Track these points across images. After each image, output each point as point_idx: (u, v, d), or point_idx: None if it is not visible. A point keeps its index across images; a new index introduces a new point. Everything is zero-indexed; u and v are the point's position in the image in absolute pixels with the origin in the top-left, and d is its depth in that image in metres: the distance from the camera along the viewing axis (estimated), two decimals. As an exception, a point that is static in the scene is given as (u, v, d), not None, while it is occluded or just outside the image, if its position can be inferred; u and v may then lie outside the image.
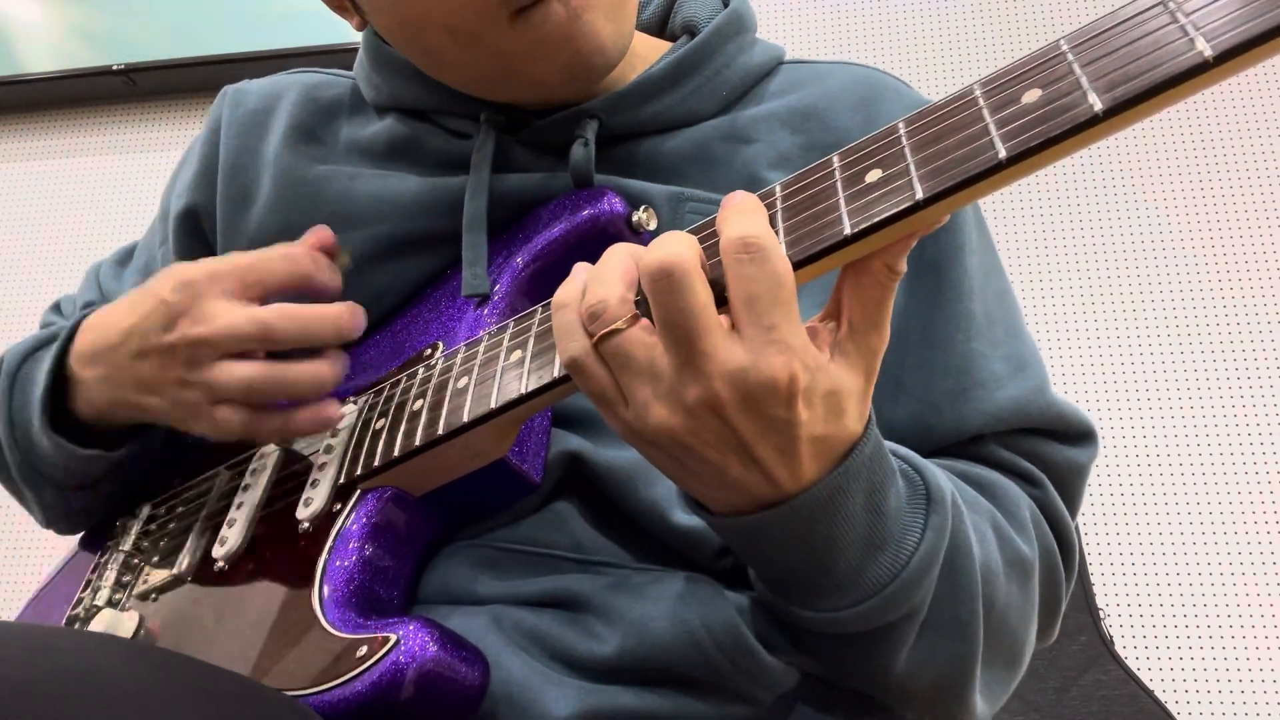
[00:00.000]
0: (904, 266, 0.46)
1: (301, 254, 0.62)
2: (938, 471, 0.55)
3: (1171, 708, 1.43)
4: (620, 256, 0.48)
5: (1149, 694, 1.39)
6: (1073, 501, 0.66)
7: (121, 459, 0.69)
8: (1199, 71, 0.37)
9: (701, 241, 0.47)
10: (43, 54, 2.13)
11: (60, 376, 0.67)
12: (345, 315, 0.61)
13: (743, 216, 0.45)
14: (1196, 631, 1.56)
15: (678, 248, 0.44)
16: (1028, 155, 0.39)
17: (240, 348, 0.59)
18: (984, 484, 0.62)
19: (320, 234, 0.64)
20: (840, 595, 0.51)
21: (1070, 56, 0.40)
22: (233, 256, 0.61)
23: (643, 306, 0.46)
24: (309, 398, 0.61)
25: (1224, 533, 1.60)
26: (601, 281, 0.47)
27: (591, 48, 0.62)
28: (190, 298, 0.60)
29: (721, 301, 0.45)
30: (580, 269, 0.49)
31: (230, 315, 0.59)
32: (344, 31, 1.95)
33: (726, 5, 0.74)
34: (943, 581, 0.53)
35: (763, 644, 0.55)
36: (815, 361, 0.45)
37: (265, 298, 0.61)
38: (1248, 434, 1.64)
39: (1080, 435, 0.66)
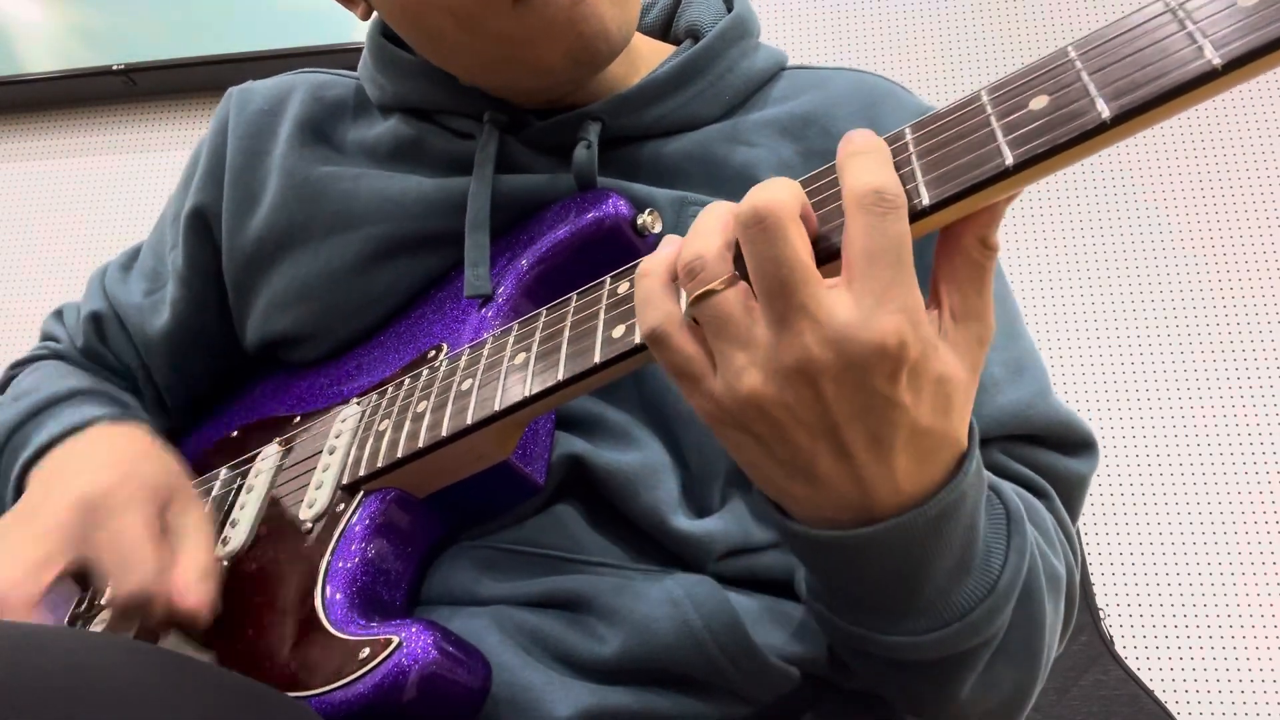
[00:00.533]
0: (998, 241, 0.42)
1: (149, 599, 0.56)
2: (1006, 487, 0.54)
3: (1171, 708, 1.43)
4: (718, 213, 0.44)
5: (1149, 694, 1.39)
6: (1074, 514, 0.66)
7: None
8: (1208, 80, 0.36)
9: (813, 194, 0.44)
10: (43, 54, 2.13)
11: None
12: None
13: (872, 163, 0.41)
14: (1196, 631, 1.56)
15: (776, 192, 0.41)
16: (1035, 162, 0.39)
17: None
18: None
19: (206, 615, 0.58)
20: (922, 619, 0.49)
21: (1078, 64, 0.40)
22: (115, 548, 0.57)
23: (741, 268, 0.42)
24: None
25: (1224, 533, 1.60)
26: (699, 237, 0.43)
27: (595, 31, 0.62)
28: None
29: (825, 260, 0.42)
30: (670, 240, 0.46)
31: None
32: (344, 32, 1.96)
33: (730, 9, 0.74)
34: (1018, 608, 0.52)
35: (764, 645, 0.55)
36: (929, 336, 0.41)
37: None
38: (1248, 434, 1.64)
39: (1081, 445, 0.66)
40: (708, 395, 0.44)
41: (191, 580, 0.56)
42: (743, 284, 0.42)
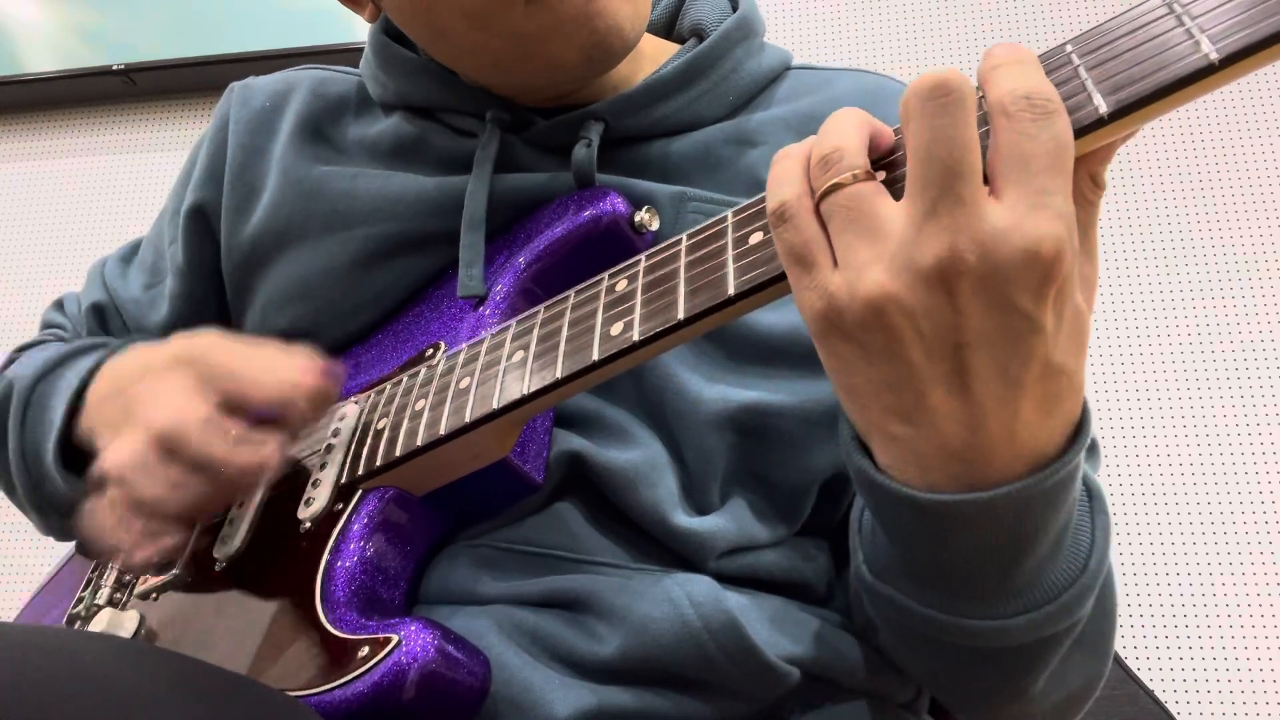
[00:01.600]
0: (1105, 180, 0.41)
1: (294, 388, 0.58)
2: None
3: (1171, 708, 1.43)
4: (855, 113, 0.41)
5: (1149, 694, 1.38)
6: None
7: None
8: (1204, 75, 0.36)
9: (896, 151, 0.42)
10: (43, 54, 2.13)
11: (75, 406, 0.67)
12: (241, 485, 0.57)
13: (1022, 69, 0.38)
14: (1196, 631, 1.56)
15: (955, 74, 0.37)
16: None
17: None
18: None
19: (339, 372, 0.61)
20: (1014, 601, 0.45)
21: (1076, 59, 0.40)
22: (239, 361, 0.58)
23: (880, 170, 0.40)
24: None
25: (1224, 533, 1.60)
26: (836, 131, 0.41)
27: (609, 27, 0.62)
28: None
29: None
30: (809, 140, 0.43)
31: (167, 413, 0.56)
32: (345, 31, 1.96)
33: (735, 9, 0.74)
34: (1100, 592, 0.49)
35: (763, 644, 0.55)
36: (1077, 254, 0.37)
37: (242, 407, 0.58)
38: (1248, 434, 1.64)
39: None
40: (821, 289, 0.40)
41: (305, 365, 0.58)
42: (878, 181, 0.40)
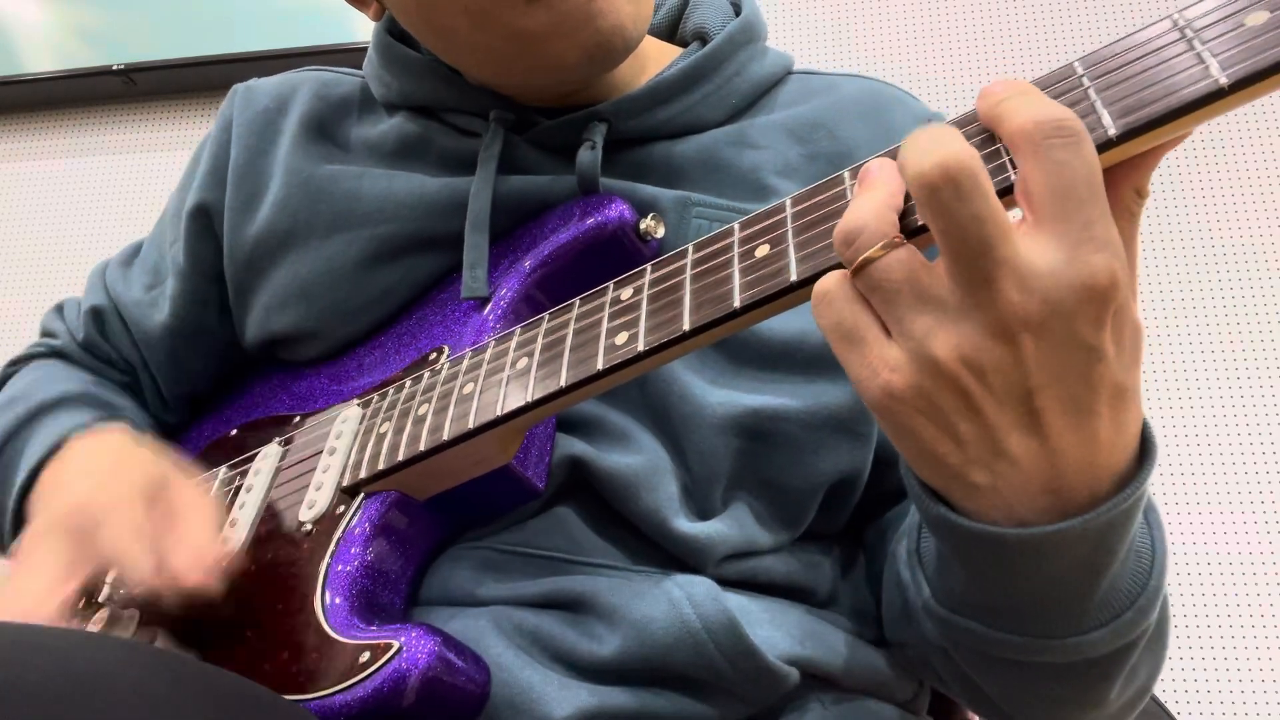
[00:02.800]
0: (1149, 189, 0.40)
1: (168, 582, 0.56)
2: None
3: (1171, 708, 1.43)
4: (888, 173, 0.41)
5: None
6: None
7: None
8: (1214, 99, 0.36)
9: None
10: (43, 54, 2.13)
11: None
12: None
13: (1036, 98, 0.38)
14: (1196, 631, 1.56)
15: (956, 146, 0.37)
16: None
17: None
18: None
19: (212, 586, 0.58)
20: (1096, 615, 0.45)
21: (1085, 80, 0.40)
22: (124, 543, 0.57)
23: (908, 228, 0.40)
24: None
25: (1224, 533, 1.60)
26: (857, 202, 0.40)
27: (611, 26, 0.61)
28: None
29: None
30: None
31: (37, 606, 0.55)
32: (346, 31, 1.96)
33: (738, 13, 0.74)
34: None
35: (763, 645, 0.55)
36: (1129, 273, 0.37)
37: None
38: (1248, 434, 1.64)
39: None
40: (879, 363, 0.39)
41: (188, 561, 0.55)
42: (909, 245, 0.39)
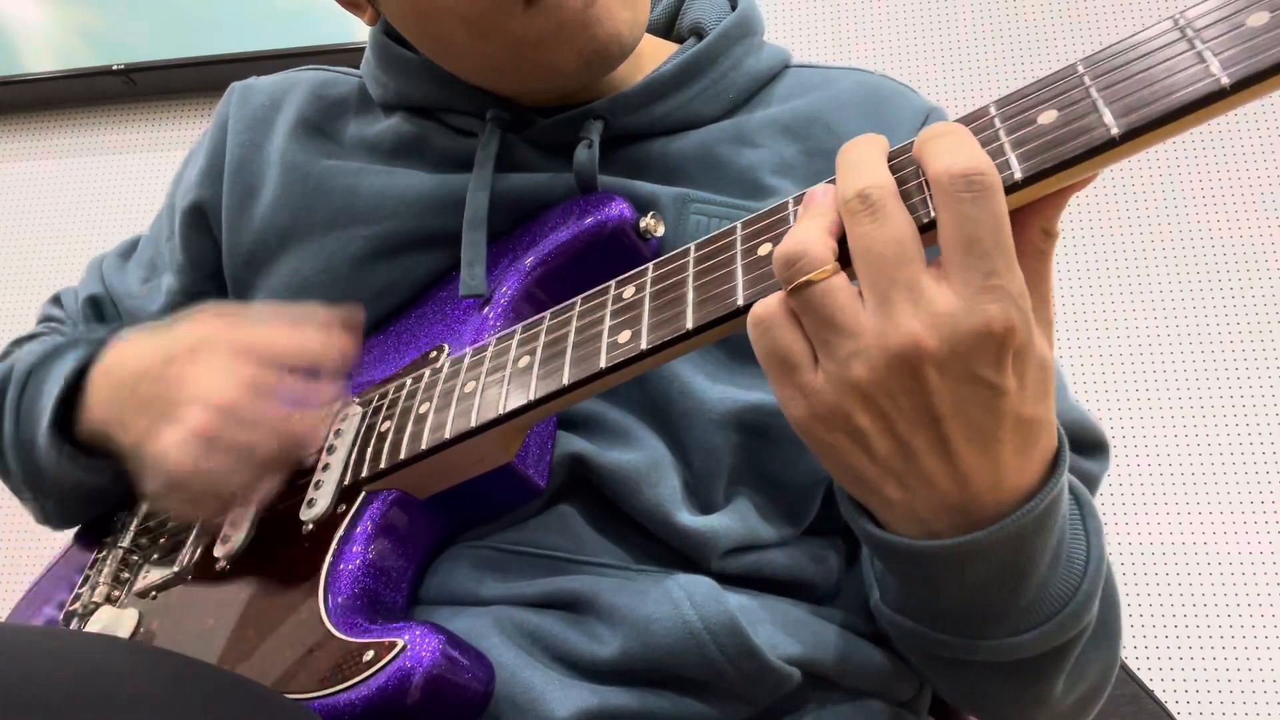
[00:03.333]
0: (1058, 229, 0.43)
1: (316, 341, 0.60)
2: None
3: (1171, 708, 1.43)
4: (819, 200, 0.43)
5: (1149, 694, 1.38)
6: None
7: (121, 472, 0.69)
8: (1216, 99, 0.37)
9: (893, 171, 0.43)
10: (43, 54, 2.12)
11: (73, 388, 0.67)
12: (310, 439, 0.59)
13: (956, 143, 0.40)
14: (1196, 631, 1.56)
15: (879, 175, 0.40)
16: (1043, 176, 0.40)
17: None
18: None
19: (354, 317, 0.62)
20: (1025, 617, 0.48)
21: (1087, 80, 0.40)
22: (258, 323, 0.60)
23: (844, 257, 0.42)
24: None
25: (1224, 533, 1.60)
26: (799, 225, 0.42)
27: (608, 34, 0.62)
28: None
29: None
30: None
31: (218, 387, 0.57)
32: (344, 32, 1.96)
33: (734, 8, 0.74)
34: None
35: (764, 645, 0.55)
36: (1030, 320, 0.40)
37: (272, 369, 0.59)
38: (1248, 434, 1.64)
39: (1095, 446, 0.66)
40: (805, 387, 0.42)
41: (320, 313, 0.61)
42: (844, 273, 0.41)
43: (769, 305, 0.43)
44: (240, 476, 0.57)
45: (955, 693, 0.57)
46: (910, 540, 0.45)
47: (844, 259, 0.42)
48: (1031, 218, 0.42)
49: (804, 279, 0.41)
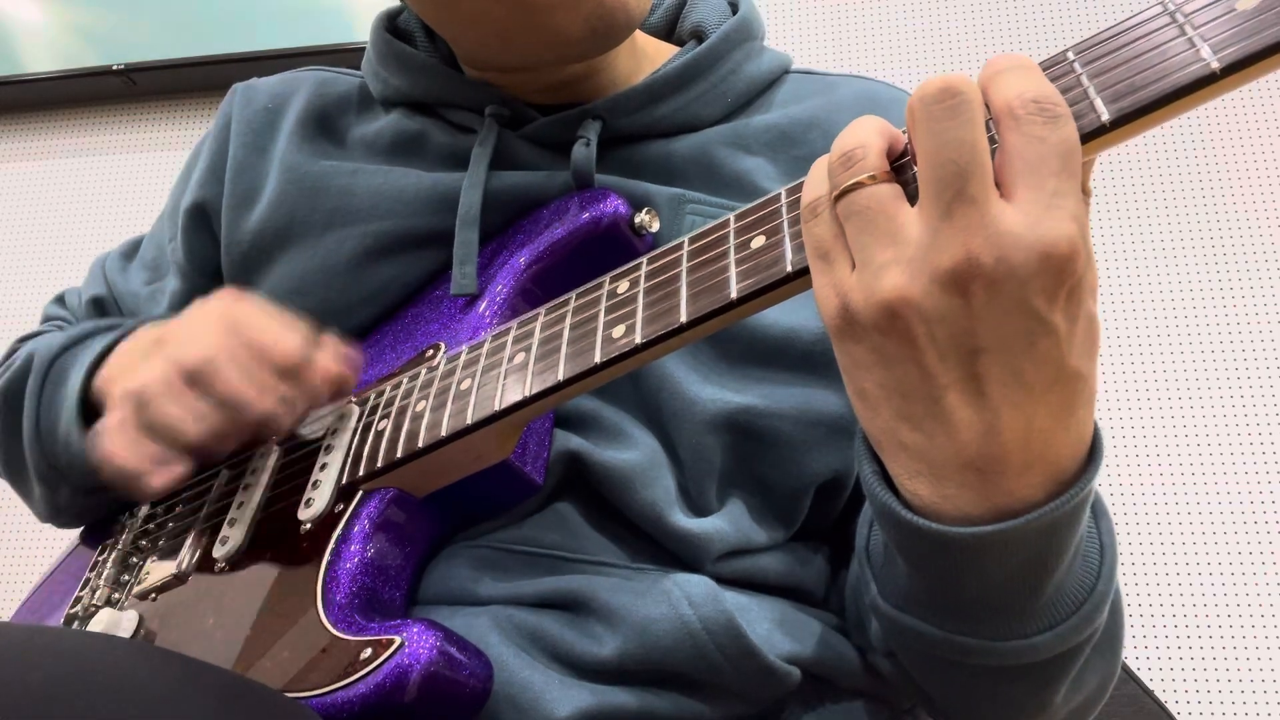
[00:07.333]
0: (1090, 187, 0.40)
1: (315, 349, 0.61)
2: None
3: (1171, 708, 1.43)
4: (876, 119, 0.42)
5: (1149, 694, 1.38)
6: None
7: None
8: (1206, 83, 0.37)
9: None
10: (43, 54, 2.13)
11: (92, 377, 0.68)
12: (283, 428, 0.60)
13: (1026, 74, 0.38)
14: (1196, 631, 1.56)
15: (966, 83, 0.37)
16: None
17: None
18: None
19: (353, 360, 0.63)
20: (1039, 619, 0.45)
21: (1078, 66, 0.40)
22: (267, 315, 0.61)
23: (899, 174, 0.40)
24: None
25: (1224, 533, 1.60)
26: (858, 131, 0.41)
27: (615, 1, 0.62)
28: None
29: None
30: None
31: (214, 352, 0.59)
32: (345, 32, 1.97)
33: (735, 11, 0.74)
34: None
35: (763, 645, 0.55)
36: (1091, 256, 0.38)
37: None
38: (1248, 434, 1.64)
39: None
40: (838, 286, 0.40)
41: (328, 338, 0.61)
42: (896, 184, 0.40)
43: (825, 192, 0.41)
44: (188, 433, 0.57)
45: (949, 700, 0.55)
46: (935, 526, 0.41)
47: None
48: None
49: (854, 180, 0.39)
